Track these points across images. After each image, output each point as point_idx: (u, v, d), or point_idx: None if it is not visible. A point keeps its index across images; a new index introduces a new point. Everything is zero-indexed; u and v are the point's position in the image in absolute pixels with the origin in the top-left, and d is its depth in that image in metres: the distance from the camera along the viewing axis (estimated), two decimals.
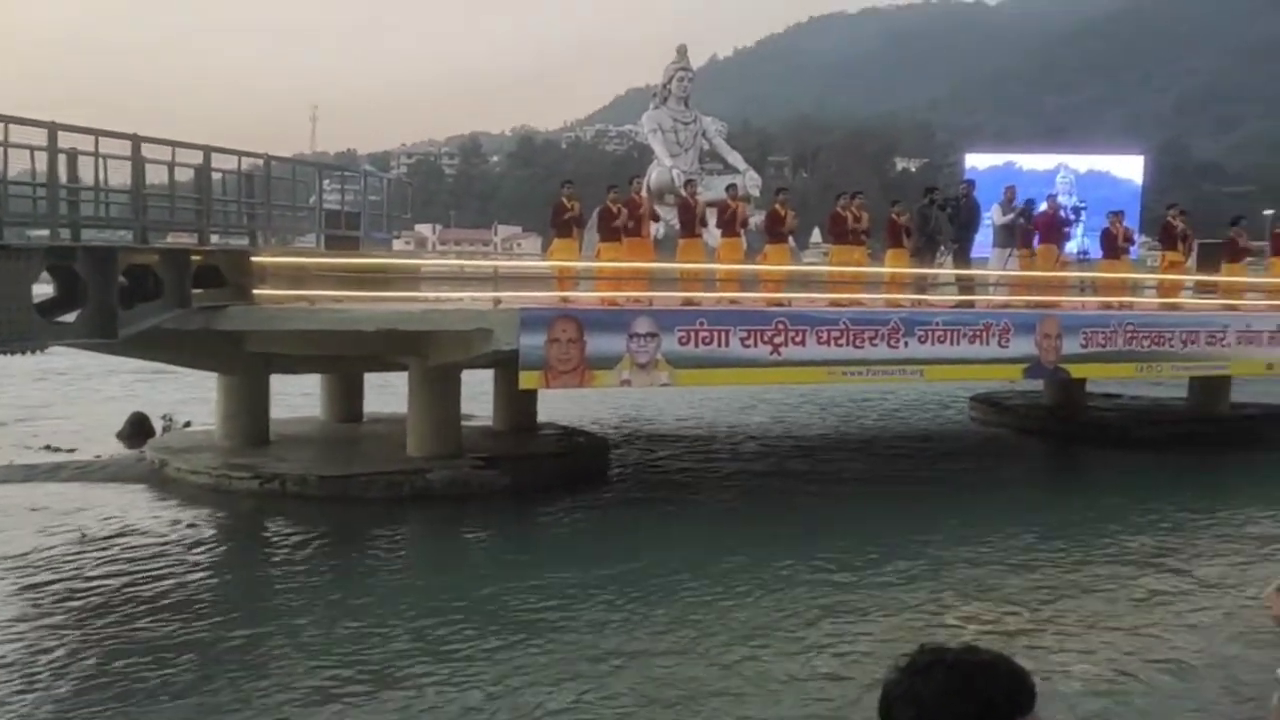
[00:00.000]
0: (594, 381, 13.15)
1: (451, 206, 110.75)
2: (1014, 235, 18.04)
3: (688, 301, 15.02)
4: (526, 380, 12.93)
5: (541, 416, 16.70)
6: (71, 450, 15.45)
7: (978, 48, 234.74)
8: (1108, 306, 17.54)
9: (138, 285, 11.42)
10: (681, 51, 24.56)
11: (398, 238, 26.40)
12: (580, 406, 19.31)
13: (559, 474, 14.31)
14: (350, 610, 9.11)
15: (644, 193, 17.42)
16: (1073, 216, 20.25)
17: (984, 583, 10.23)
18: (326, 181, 18.67)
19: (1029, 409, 20.15)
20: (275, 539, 11.75)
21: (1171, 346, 16.75)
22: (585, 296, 15.21)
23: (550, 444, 15.53)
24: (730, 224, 16.42)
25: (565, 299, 14.73)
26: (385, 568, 10.74)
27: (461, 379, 14.50)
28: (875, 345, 14.41)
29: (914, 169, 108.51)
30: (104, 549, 10.82)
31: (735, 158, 24.66)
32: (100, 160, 10.99)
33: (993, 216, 18.59)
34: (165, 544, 11.12)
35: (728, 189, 17.67)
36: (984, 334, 15.18)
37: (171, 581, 9.87)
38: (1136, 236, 20.92)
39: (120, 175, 11.38)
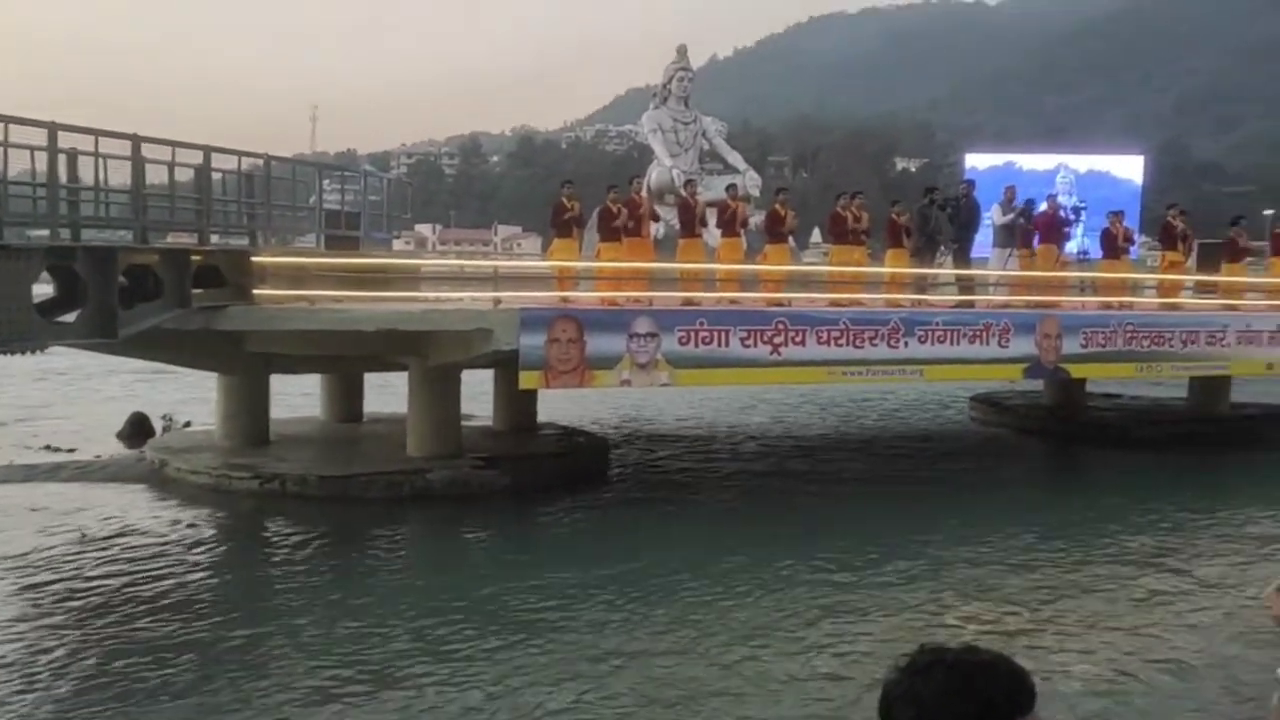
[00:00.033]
0: (594, 381, 13.15)
1: (451, 206, 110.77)
2: (1014, 235, 18.05)
3: (688, 301, 15.02)
4: (526, 380, 12.93)
5: (541, 416, 16.70)
6: (71, 450, 15.46)
7: (978, 48, 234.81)
8: (1108, 306, 17.55)
9: (138, 285, 11.43)
10: (681, 51, 24.56)
11: (398, 238, 26.41)
12: (580, 406, 19.31)
13: (559, 474, 14.31)
14: (350, 610, 9.11)
15: (644, 193, 17.42)
16: (1073, 216, 20.25)
17: (984, 583, 10.23)
18: (326, 181, 18.67)
19: (1029, 409, 20.16)
20: (275, 539, 11.76)
21: (1171, 346, 16.75)
22: (585, 296, 15.21)
23: (550, 444, 15.53)
24: (730, 224, 16.42)
25: (565, 299, 14.73)
26: (385, 568, 10.74)
27: (461, 379, 14.50)
28: (875, 345, 14.41)
29: (914, 169, 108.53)
30: (104, 549, 10.83)
31: (735, 158, 24.66)
32: (100, 160, 11.00)
33: (993, 216, 18.59)
34: (165, 544, 11.12)
35: (728, 189, 17.67)
36: (984, 334, 15.18)
37: (171, 581, 9.87)
38: (1136, 236, 20.93)
39: (120, 175, 11.38)
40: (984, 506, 13.69)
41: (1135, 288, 19.20)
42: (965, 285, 17.64)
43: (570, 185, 16.73)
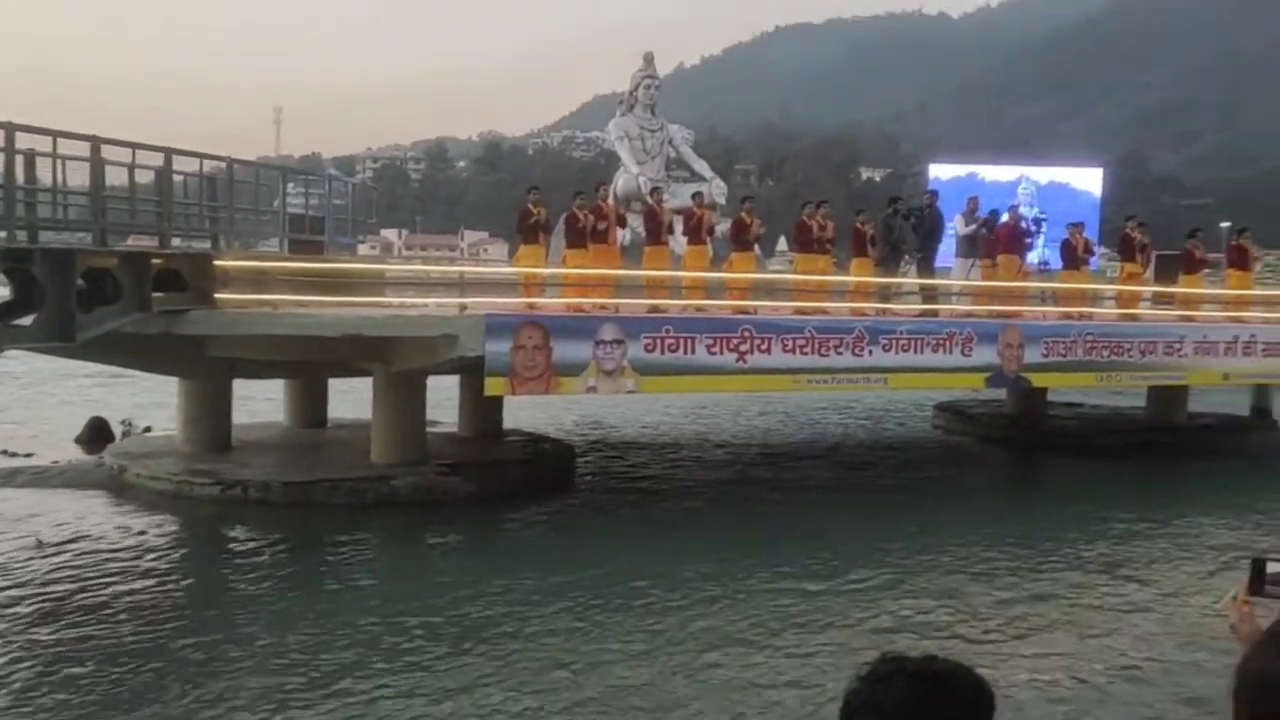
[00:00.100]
0: (560, 388, 13.12)
1: (417, 212, 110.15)
2: (977, 245, 18.23)
3: (654, 309, 15.03)
4: (492, 387, 12.88)
5: (507, 423, 16.64)
6: (29, 455, 15.20)
7: (941, 60, 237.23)
8: (1068, 317, 17.77)
9: (96, 288, 11.24)
10: (648, 59, 24.60)
11: (363, 243, 26.22)
12: (546, 413, 19.26)
13: (524, 481, 14.26)
14: (306, 618, 9.02)
15: (610, 200, 17.42)
16: (1034, 228, 20.47)
17: (945, 590, 10.30)
18: (290, 185, 18.49)
19: (991, 418, 20.35)
20: (235, 546, 11.60)
21: (1130, 356, 16.98)
22: (551, 303, 15.19)
23: (516, 451, 15.48)
24: (696, 231, 16.47)
25: (531, 305, 14.70)
26: (345, 575, 10.63)
27: (427, 385, 14.41)
28: (840, 353, 14.49)
29: (879, 179, 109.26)
30: (57, 555, 10.64)
31: (701, 165, 24.70)
32: (58, 161, 10.84)
33: (956, 227, 18.76)
34: (120, 551, 10.95)
35: (693, 196, 17.69)
36: (947, 343, 15.31)
37: (124, 588, 9.72)
38: (1096, 248, 21.14)
39: (79, 177, 11.22)
40: (946, 514, 13.79)
41: (1095, 298, 19.45)
42: (929, 295, 17.79)
43: (537, 191, 16.71)
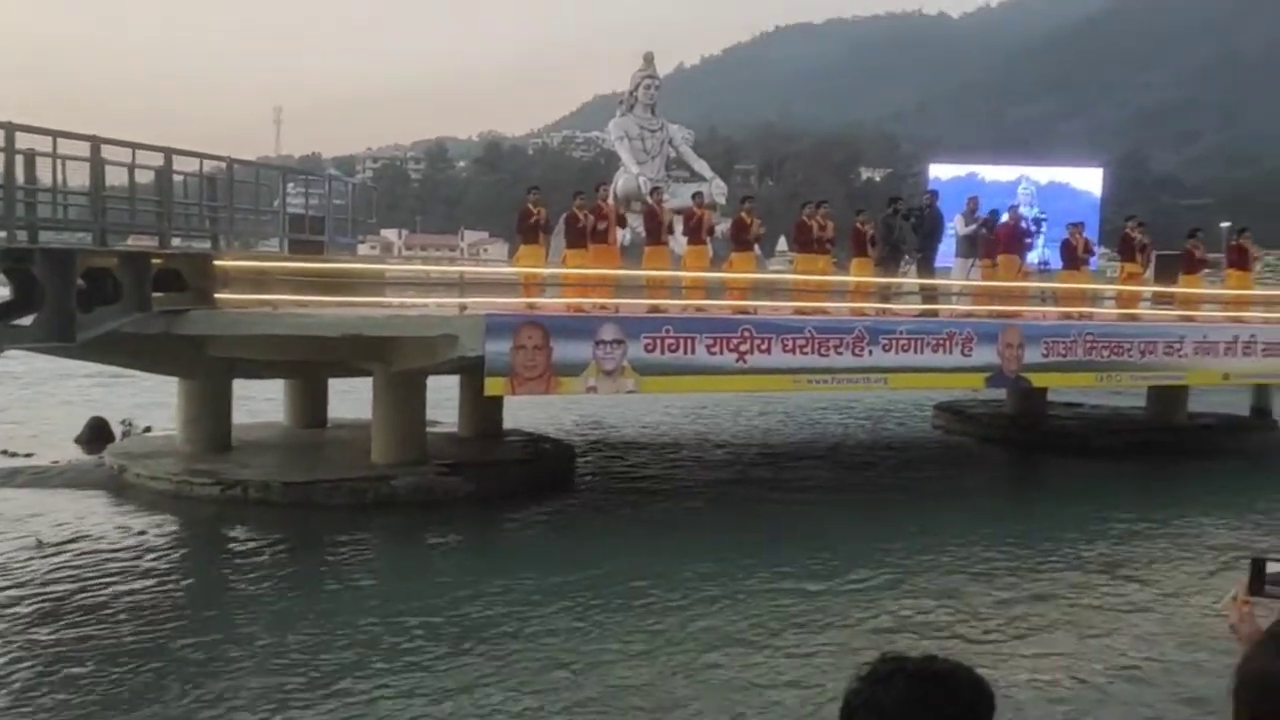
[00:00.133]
0: (560, 388, 13.13)
1: (417, 212, 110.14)
2: (976, 245, 18.23)
3: (654, 309, 15.03)
4: (492, 387, 12.88)
5: (507, 423, 16.64)
6: (29, 455, 15.21)
7: (941, 60, 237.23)
8: (1068, 317, 17.77)
9: (96, 288, 11.24)
10: (648, 59, 24.60)
11: (363, 243, 26.21)
12: (546, 413, 19.26)
13: (524, 481, 14.26)
14: (306, 618, 9.02)
15: (610, 200, 17.42)
16: (1034, 228, 20.46)
17: (945, 590, 10.30)
18: (290, 185, 18.49)
19: (991, 418, 20.35)
20: (235, 546, 11.61)
21: (1130, 356, 16.98)
22: (551, 303, 15.19)
23: (516, 451, 15.48)
24: (696, 231, 16.47)
25: (531, 305, 14.70)
26: (345, 575, 10.64)
27: (427, 385, 14.42)
28: (840, 353, 14.49)
29: (879, 179, 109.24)
30: (57, 555, 10.64)
31: (701, 165, 24.70)
32: (59, 161, 10.84)
33: (956, 227, 18.76)
34: (121, 551, 10.96)
35: (693, 196, 17.69)
36: (947, 343, 15.31)
37: (124, 588, 9.73)
38: (1096, 248, 21.14)
39: (79, 177, 11.22)
40: (946, 514, 13.79)
41: (1095, 298, 19.45)
42: (929, 295, 17.78)
43: (537, 191, 16.71)
